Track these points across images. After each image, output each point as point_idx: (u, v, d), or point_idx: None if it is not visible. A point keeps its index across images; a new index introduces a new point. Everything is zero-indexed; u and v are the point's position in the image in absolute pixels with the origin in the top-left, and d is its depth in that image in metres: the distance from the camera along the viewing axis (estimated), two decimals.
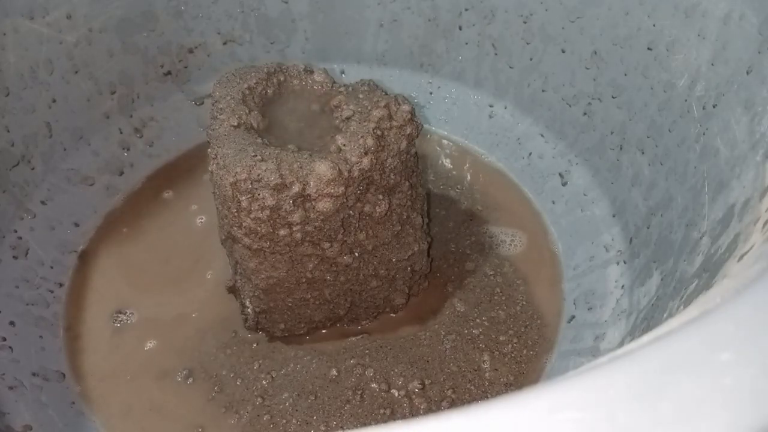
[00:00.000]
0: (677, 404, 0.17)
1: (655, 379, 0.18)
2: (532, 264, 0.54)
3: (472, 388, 0.47)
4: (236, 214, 0.40)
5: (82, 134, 0.56)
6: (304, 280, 0.44)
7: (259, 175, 0.39)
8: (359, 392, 0.46)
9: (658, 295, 0.43)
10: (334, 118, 0.44)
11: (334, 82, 0.46)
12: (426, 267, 0.50)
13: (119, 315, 0.51)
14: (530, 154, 0.60)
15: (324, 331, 0.50)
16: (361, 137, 0.41)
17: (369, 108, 0.42)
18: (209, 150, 0.42)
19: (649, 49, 0.47)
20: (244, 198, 0.39)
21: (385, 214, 0.43)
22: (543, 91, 0.58)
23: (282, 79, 0.46)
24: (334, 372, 0.47)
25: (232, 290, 0.50)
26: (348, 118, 0.43)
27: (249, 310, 0.47)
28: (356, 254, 0.44)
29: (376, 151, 0.41)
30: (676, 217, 0.44)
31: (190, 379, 0.48)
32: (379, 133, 0.41)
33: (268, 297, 0.45)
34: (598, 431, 0.17)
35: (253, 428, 0.45)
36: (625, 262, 0.50)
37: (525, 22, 0.55)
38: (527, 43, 0.56)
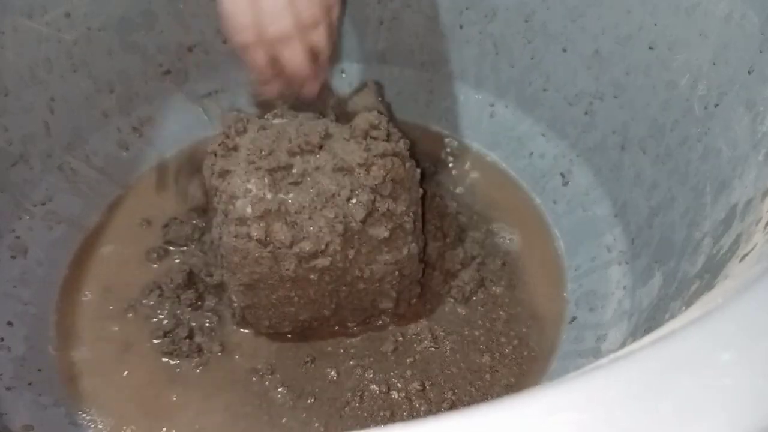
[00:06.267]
0: (677, 404, 0.17)
1: (655, 379, 0.18)
2: (533, 264, 0.54)
3: (473, 389, 0.47)
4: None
5: (80, 133, 0.56)
6: (287, 278, 0.43)
7: None
8: (359, 394, 0.46)
9: (660, 296, 0.43)
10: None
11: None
12: (417, 272, 0.49)
13: (119, 314, 0.51)
14: (531, 153, 0.60)
15: (321, 326, 0.50)
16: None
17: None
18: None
19: (650, 48, 0.47)
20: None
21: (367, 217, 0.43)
22: (544, 90, 0.57)
23: None
24: (333, 373, 0.47)
25: (221, 285, 0.50)
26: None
27: (235, 304, 0.47)
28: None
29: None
30: (678, 217, 0.44)
31: (190, 379, 0.47)
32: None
33: (251, 292, 0.45)
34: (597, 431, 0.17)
35: (253, 428, 0.45)
36: (627, 263, 0.50)
37: (526, 21, 0.55)
38: (528, 42, 0.56)
